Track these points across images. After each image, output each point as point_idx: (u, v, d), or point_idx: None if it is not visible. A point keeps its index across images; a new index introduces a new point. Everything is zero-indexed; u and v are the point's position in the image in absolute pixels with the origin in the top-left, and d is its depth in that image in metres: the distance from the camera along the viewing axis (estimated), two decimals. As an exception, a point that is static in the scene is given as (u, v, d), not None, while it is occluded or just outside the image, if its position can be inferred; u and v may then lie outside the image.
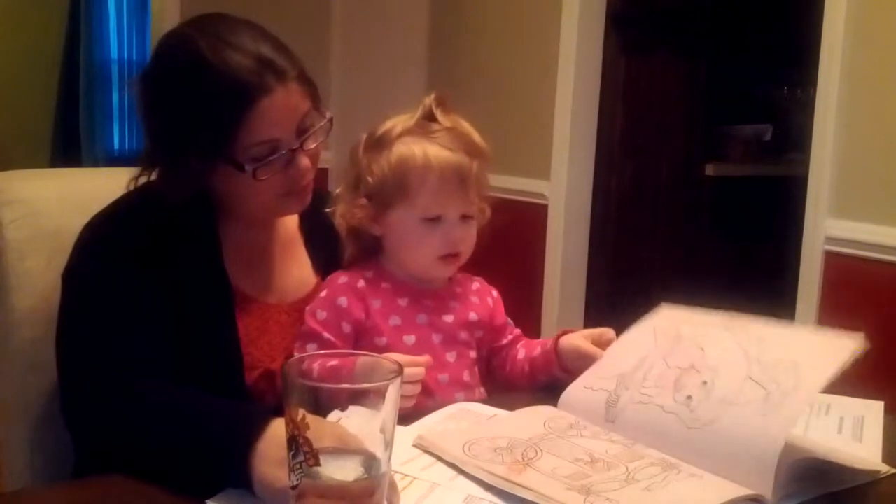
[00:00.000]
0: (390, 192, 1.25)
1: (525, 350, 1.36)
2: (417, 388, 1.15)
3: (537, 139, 3.16)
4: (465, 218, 1.26)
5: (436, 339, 1.27)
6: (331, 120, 1.25)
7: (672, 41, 3.37)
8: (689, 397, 1.08)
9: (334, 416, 0.78)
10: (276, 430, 0.93)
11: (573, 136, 3.14)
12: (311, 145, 1.23)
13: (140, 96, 1.24)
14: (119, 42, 6.17)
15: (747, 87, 4.16)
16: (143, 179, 1.27)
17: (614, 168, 3.27)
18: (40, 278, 1.30)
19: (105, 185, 1.31)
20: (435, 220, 1.25)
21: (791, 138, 4.03)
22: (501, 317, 1.38)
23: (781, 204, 3.11)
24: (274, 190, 1.22)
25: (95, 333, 1.15)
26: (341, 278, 1.28)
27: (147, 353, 1.14)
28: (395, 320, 1.26)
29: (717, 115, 3.67)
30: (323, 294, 1.27)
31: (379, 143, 1.27)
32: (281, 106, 1.18)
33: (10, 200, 1.33)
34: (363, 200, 1.27)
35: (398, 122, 1.28)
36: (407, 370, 1.09)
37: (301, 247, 1.37)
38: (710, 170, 3.57)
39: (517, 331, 1.39)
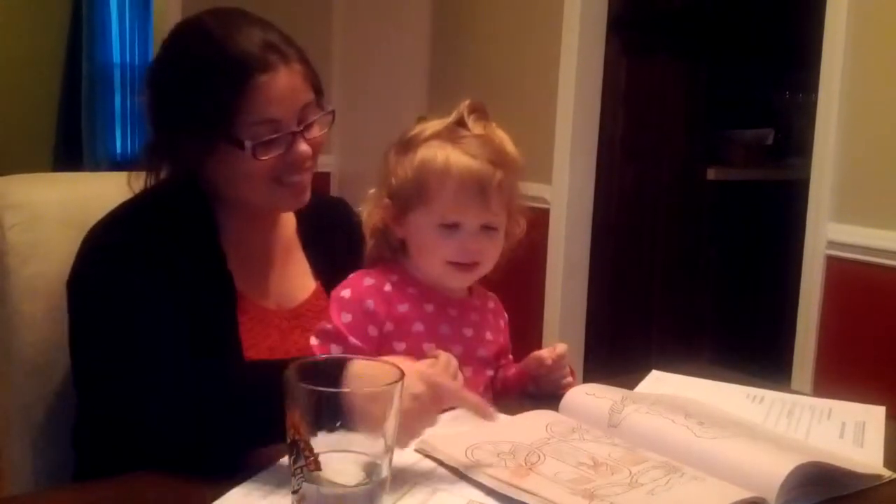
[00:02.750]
0: (410, 194, 1.24)
1: (502, 371, 1.37)
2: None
3: (539, 143, 3.15)
4: (486, 228, 1.24)
5: (456, 350, 1.23)
6: (332, 113, 1.26)
7: (673, 44, 3.37)
8: (702, 423, 1.09)
9: (336, 420, 0.78)
10: (359, 367, 0.88)
11: (574, 140, 3.14)
12: (312, 133, 1.23)
13: (148, 81, 1.25)
14: (121, 45, 6.18)
15: (748, 90, 4.16)
16: (141, 180, 1.27)
17: (615, 172, 3.27)
18: (42, 282, 1.29)
19: (107, 189, 1.31)
20: (452, 227, 1.23)
21: (792, 142, 4.03)
22: (507, 341, 1.37)
23: (783, 208, 3.11)
24: (270, 174, 1.21)
25: (120, 339, 1.13)
26: (367, 279, 1.26)
27: (171, 350, 1.12)
28: (418, 326, 1.24)
29: (718, 118, 3.67)
30: (347, 294, 1.24)
31: (407, 145, 1.26)
32: (282, 86, 1.19)
33: (12, 204, 1.33)
34: (386, 201, 1.26)
35: (429, 126, 1.26)
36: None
37: (299, 251, 1.37)
38: (711, 174, 3.57)
39: (511, 358, 1.39)
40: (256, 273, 1.30)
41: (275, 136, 1.19)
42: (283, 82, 1.19)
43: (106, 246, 1.21)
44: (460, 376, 1.18)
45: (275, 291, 1.31)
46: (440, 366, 1.16)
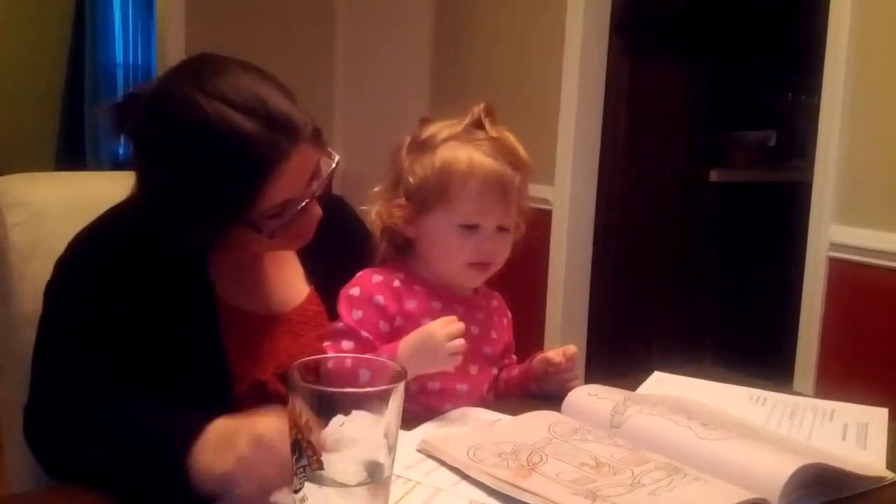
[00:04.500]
0: (431, 194, 1.24)
1: (505, 371, 1.37)
2: (461, 342, 1.17)
3: (541, 144, 3.15)
4: (501, 230, 1.25)
5: None
6: (337, 163, 1.24)
7: (675, 46, 3.36)
8: (704, 424, 1.09)
9: (337, 420, 0.78)
10: (215, 427, 0.95)
11: (577, 142, 3.14)
12: (320, 190, 1.22)
13: (139, 153, 1.19)
14: (124, 46, 6.19)
15: (751, 92, 4.16)
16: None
17: (617, 173, 3.27)
18: (44, 281, 1.29)
19: (109, 188, 1.31)
20: (472, 227, 1.23)
21: (795, 144, 4.03)
22: (511, 340, 1.38)
23: (785, 210, 3.11)
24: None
25: (52, 352, 1.16)
26: (375, 276, 1.26)
27: (102, 373, 1.13)
28: (427, 322, 1.24)
29: (720, 120, 3.66)
30: (356, 292, 1.24)
31: (423, 146, 1.26)
32: (295, 169, 1.15)
33: (15, 203, 1.33)
34: (402, 200, 1.26)
35: (444, 127, 1.26)
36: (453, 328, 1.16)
37: (293, 257, 1.35)
38: (713, 176, 3.57)
39: (514, 358, 1.39)
40: (247, 281, 1.30)
41: (289, 213, 1.18)
42: (295, 165, 1.15)
43: (75, 259, 1.21)
44: (459, 358, 1.18)
45: (265, 298, 1.30)
46: (439, 323, 1.17)
